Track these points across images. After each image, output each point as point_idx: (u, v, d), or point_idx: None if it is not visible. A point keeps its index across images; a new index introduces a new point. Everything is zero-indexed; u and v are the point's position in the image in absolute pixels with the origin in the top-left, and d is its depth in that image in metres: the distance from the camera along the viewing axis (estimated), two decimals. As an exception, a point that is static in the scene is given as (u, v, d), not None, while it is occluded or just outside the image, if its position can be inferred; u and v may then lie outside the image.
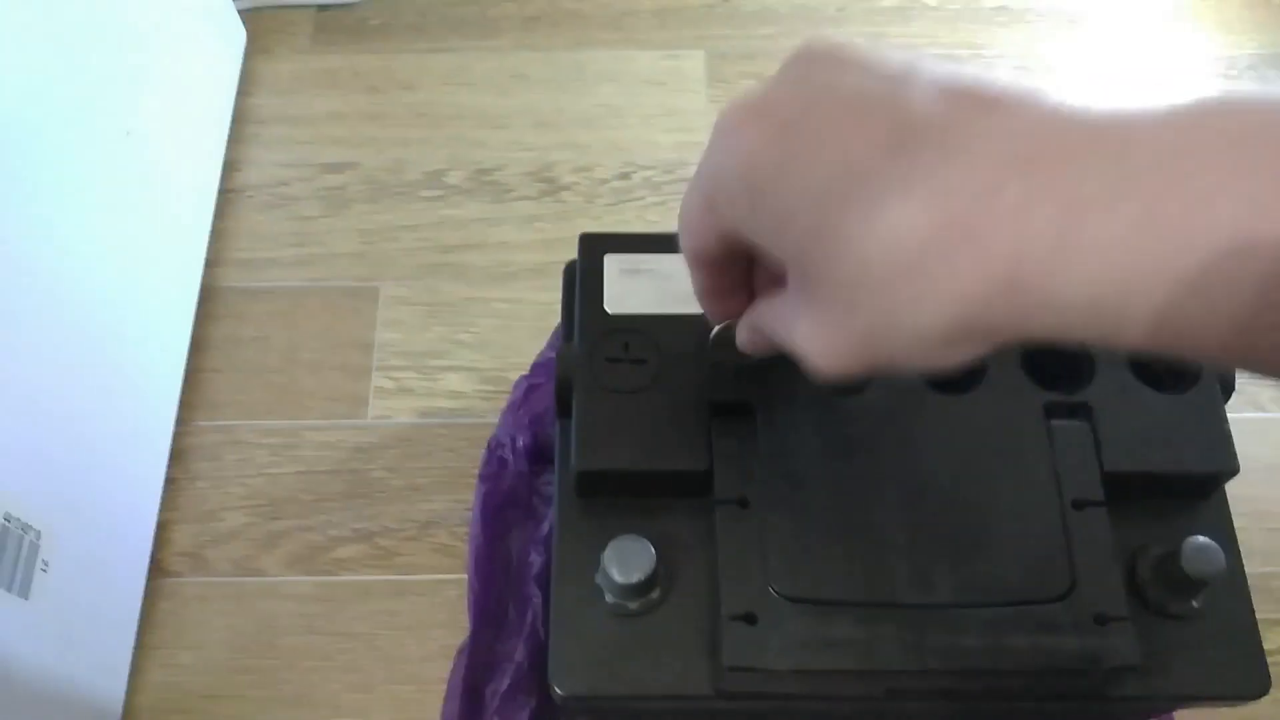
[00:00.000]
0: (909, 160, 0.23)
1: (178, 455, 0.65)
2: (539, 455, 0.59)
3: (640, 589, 0.37)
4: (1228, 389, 0.40)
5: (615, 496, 0.39)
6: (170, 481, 0.64)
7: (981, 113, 0.23)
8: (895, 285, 0.23)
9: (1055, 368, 0.40)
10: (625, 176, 0.76)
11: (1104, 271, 0.21)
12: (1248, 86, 0.21)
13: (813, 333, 0.27)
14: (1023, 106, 0.22)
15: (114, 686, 0.56)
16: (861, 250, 0.23)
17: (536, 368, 0.62)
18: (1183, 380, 0.40)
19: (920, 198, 0.22)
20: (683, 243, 0.30)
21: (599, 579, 0.37)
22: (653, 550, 0.36)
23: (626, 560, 0.36)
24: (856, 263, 0.24)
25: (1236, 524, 0.65)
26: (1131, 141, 0.21)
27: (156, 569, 0.61)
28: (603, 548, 0.37)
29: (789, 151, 0.25)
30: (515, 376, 0.63)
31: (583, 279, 0.41)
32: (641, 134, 0.78)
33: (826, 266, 0.25)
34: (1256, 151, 0.20)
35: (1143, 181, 0.20)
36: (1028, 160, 0.22)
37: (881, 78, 0.25)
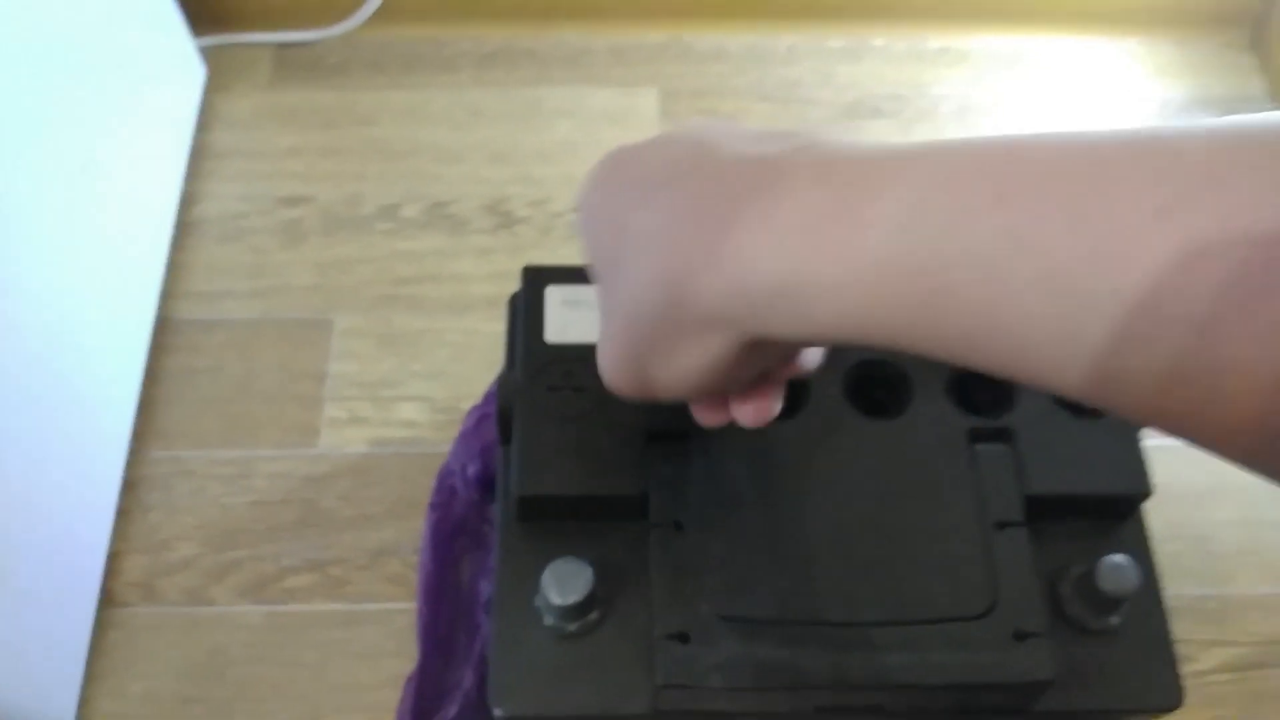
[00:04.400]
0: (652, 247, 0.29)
1: (130, 485, 0.65)
2: (490, 484, 0.60)
3: (578, 610, 0.38)
4: (1143, 414, 0.42)
5: (555, 521, 0.40)
6: (122, 511, 0.64)
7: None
8: (626, 281, 0.30)
9: (979, 395, 0.42)
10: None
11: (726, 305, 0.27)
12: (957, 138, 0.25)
13: (600, 349, 0.32)
14: (719, 168, 0.28)
15: (62, 715, 0.56)
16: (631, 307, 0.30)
17: (488, 397, 0.63)
18: (1100, 407, 0.41)
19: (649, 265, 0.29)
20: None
21: (538, 601, 0.38)
22: (591, 572, 0.37)
23: (565, 582, 0.37)
24: (632, 312, 0.30)
25: (1174, 547, 0.67)
26: (790, 176, 0.26)
27: (107, 599, 0.61)
28: (542, 571, 0.38)
29: (591, 244, 0.32)
30: (468, 406, 0.64)
31: (525, 310, 0.42)
32: (596, 169, 0.80)
33: (614, 312, 0.31)
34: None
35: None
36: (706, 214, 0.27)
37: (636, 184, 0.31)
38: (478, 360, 0.71)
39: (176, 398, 0.69)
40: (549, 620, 0.38)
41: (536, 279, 0.43)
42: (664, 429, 0.40)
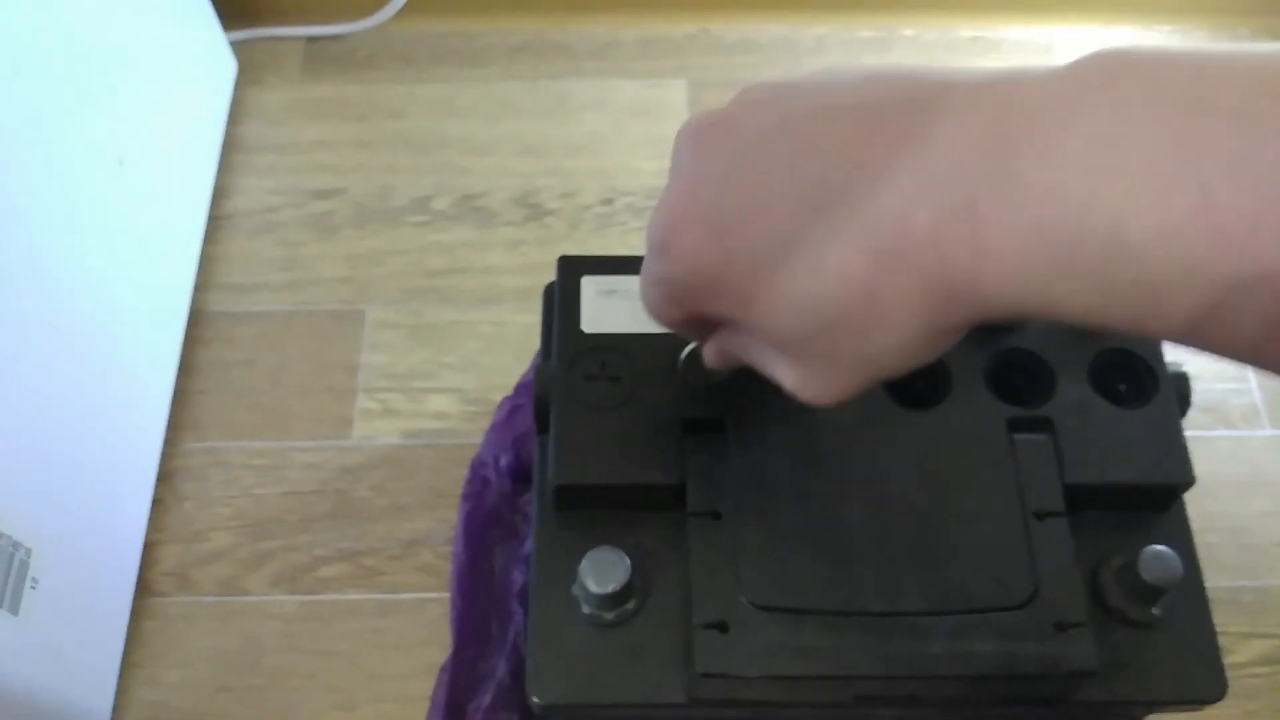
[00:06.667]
0: (825, 214, 0.25)
1: (165, 476, 0.66)
2: (522, 474, 0.60)
3: (616, 600, 0.38)
4: (1184, 403, 0.41)
5: (592, 510, 0.40)
6: (157, 502, 0.65)
7: (870, 153, 0.25)
8: (860, 324, 0.25)
9: (1018, 383, 0.41)
10: (608, 202, 0.78)
11: (1015, 271, 0.23)
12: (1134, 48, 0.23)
13: (803, 381, 0.29)
14: (903, 132, 0.24)
15: (100, 704, 0.57)
16: (820, 308, 0.26)
17: (519, 388, 0.63)
18: (1141, 395, 0.41)
19: (847, 243, 0.25)
20: (653, 316, 0.33)
21: (576, 590, 0.39)
22: (628, 562, 0.37)
23: (602, 571, 0.37)
24: (820, 320, 0.26)
25: (1210, 539, 0.66)
26: (1012, 143, 0.23)
27: (143, 588, 0.62)
28: (580, 560, 0.38)
29: (725, 246, 0.27)
30: (499, 397, 0.64)
31: (561, 300, 0.42)
32: (624, 161, 0.80)
33: (794, 331, 0.27)
34: (1129, 141, 0.21)
35: (1027, 183, 0.22)
36: (925, 182, 0.24)
37: (766, 145, 0.27)
38: (508, 352, 0.71)
39: (210, 389, 0.69)
40: (586, 609, 0.38)
41: (572, 268, 0.43)
42: (701, 418, 0.40)
